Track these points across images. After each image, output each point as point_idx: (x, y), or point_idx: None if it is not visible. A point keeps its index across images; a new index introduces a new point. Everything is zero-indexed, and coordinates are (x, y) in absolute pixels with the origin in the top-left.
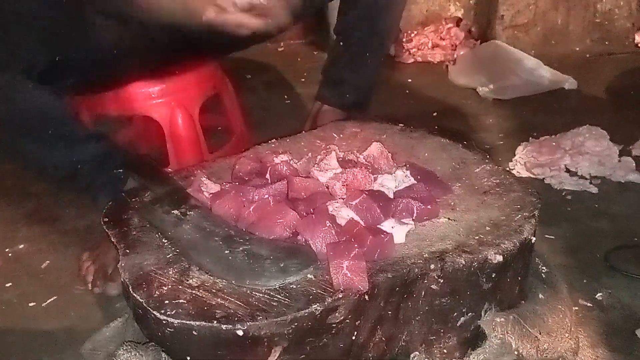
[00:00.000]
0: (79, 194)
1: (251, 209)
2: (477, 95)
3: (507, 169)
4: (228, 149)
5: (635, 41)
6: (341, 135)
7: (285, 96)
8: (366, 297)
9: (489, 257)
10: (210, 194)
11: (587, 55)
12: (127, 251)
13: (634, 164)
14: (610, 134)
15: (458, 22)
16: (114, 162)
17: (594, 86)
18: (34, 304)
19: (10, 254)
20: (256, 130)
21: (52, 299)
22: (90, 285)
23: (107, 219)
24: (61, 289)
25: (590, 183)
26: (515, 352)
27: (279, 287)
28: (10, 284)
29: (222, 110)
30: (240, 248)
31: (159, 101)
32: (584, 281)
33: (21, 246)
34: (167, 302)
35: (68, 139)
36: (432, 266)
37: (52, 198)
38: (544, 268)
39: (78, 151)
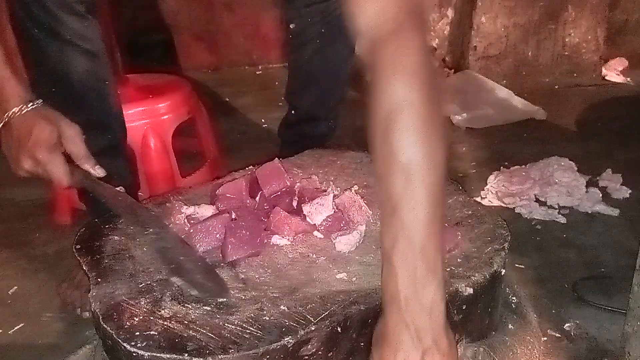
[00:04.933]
0: None
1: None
2: (451, 123)
3: (479, 197)
4: (201, 174)
5: (602, 74)
6: (318, 164)
7: (262, 120)
8: (339, 329)
9: (460, 290)
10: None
11: (556, 87)
12: (99, 280)
13: (601, 195)
14: (578, 165)
15: (432, 51)
16: None
17: (563, 117)
18: (1, 331)
19: None
20: (232, 154)
21: (19, 326)
22: (79, 310)
23: (78, 247)
24: (29, 316)
25: (559, 213)
26: None
27: (252, 319)
28: None
29: (196, 134)
30: None
31: (132, 125)
32: (553, 311)
33: None
34: (137, 333)
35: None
36: None
37: (21, 222)
38: (514, 298)
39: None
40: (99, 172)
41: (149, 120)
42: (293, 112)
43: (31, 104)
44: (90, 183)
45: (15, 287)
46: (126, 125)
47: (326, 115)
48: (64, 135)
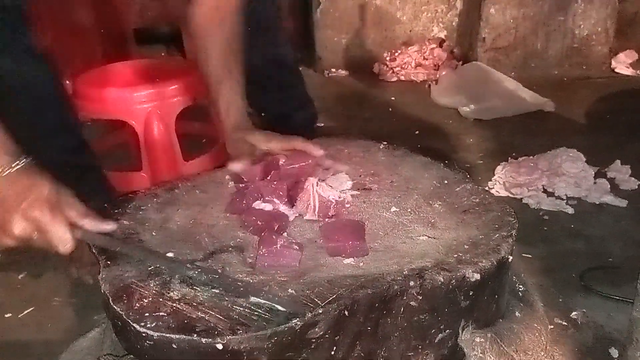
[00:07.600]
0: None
1: None
2: (459, 115)
3: (487, 188)
4: (205, 159)
5: (612, 66)
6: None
7: None
8: (346, 312)
9: (467, 275)
10: None
11: (565, 79)
12: (109, 263)
13: (609, 186)
14: (586, 156)
15: (441, 42)
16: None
17: (572, 109)
18: (10, 315)
19: None
20: None
21: (28, 310)
22: (87, 278)
23: None
24: (39, 300)
25: (567, 204)
26: None
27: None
28: None
29: (202, 119)
30: None
31: (138, 107)
32: (560, 300)
33: None
34: (147, 314)
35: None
36: (412, 283)
37: None
38: (521, 286)
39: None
40: (108, 227)
41: (155, 102)
42: (263, 114)
43: (17, 163)
44: (94, 238)
45: (25, 272)
46: (130, 108)
47: (297, 104)
48: (61, 198)
